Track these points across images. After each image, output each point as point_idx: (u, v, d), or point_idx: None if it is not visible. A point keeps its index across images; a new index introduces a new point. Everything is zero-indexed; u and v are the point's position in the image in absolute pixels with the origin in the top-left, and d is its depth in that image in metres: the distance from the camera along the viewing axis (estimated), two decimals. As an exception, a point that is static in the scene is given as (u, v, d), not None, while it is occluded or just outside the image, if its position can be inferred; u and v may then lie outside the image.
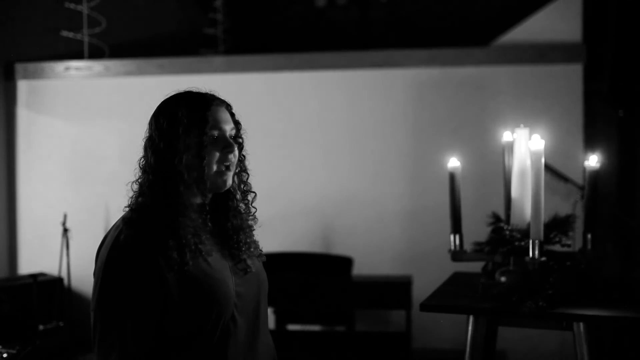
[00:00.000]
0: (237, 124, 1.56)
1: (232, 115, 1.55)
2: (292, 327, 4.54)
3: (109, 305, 1.40)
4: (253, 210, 1.61)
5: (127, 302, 1.39)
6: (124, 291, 1.39)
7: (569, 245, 2.27)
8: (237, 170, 1.56)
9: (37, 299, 4.12)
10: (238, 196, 1.58)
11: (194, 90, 1.54)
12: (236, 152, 1.52)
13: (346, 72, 4.70)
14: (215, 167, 1.48)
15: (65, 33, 5.04)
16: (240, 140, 1.57)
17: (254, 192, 1.61)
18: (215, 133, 1.48)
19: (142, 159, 1.50)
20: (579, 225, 2.33)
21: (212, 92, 1.55)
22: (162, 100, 1.53)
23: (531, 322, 2.14)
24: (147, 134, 1.50)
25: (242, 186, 1.59)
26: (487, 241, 2.31)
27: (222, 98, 1.55)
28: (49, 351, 4.22)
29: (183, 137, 1.44)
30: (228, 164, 1.50)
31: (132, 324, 1.38)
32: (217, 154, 1.48)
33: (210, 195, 1.53)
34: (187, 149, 1.44)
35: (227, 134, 1.51)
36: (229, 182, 1.52)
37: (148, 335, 1.40)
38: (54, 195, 4.94)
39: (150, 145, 1.48)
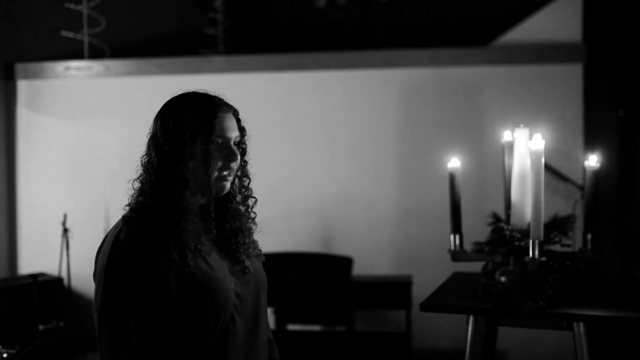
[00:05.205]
0: (241, 130, 1.55)
1: (238, 121, 1.55)
2: (292, 327, 4.54)
3: (112, 304, 1.40)
4: (253, 215, 1.61)
5: (131, 301, 1.39)
6: (127, 290, 1.39)
7: (569, 245, 2.27)
8: (238, 174, 1.56)
9: (37, 299, 4.12)
10: (238, 199, 1.58)
11: (202, 92, 1.52)
12: (238, 159, 1.51)
13: (346, 72, 4.70)
14: (216, 173, 1.48)
15: (65, 33, 5.04)
16: (244, 146, 1.57)
17: (254, 197, 1.61)
18: (220, 140, 1.48)
19: (145, 157, 1.49)
20: (579, 225, 2.33)
21: (220, 96, 1.53)
22: (169, 99, 1.52)
23: (531, 322, 2.14)
24: (152, 132, 1.49)
25: (242, 190, 1.59)
26: (487, 241, 2.30)
27: (230, 103, 1.54)
28: (49, 351, 4.22)
29: (189, 143, 1.43)
30: (228, 172, 1.50)
31: (136, 322, 1.38)
32: (220, 162, 1.48)
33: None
34: (192, 156, 1.43)
35: (232, 141, 1.50)
36: (228, 187, 1.52)
37: (152, 335, 1.40)
38: (54, 195, 4.94)
39: (154, 145, 1.47)
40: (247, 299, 1.53)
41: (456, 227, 2.31)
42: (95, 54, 5.08)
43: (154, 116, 1.51)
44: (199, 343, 1.44)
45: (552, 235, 2.23)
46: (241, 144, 1.56)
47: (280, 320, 4.42)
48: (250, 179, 1.60)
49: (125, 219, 1.45)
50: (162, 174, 1.45)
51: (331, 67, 4.72)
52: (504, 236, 2.23)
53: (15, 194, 5.00)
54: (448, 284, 2.42)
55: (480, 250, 2.31)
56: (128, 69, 4.91)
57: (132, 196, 1.49)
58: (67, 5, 4.99)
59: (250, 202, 1.61)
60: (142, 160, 1.50)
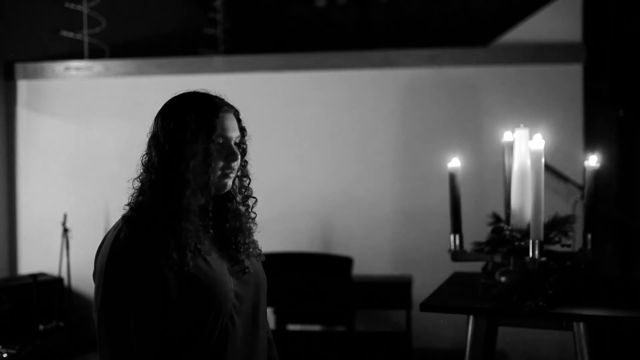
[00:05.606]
0: (242, 131, 1.56)
1: (239, 121, 1.55)
2: (292, 327, 4.54)
3: (112, 304, 1.39)
4: (253, 215, 1.61)
5: (131, 300, 1.39)
6: (127, 289, 1.39)
7: (569, 245, 2.27)
8: (238, 174, 1.56)
9: (37, 299, 4.12)
10: (238, 198, 1.58)
11: (203, 91, 1.53)
12: (239, 159, 1.51)
13: (346, 72, 4.70)
14: (218, 173, 1.48)
15: (65, 33, 5.04)
16: (244, 146, 1.57)
17: (254, 197, 1.61)
18: (221, 140, 1.48)
19: (145, 156, 1.49)
20: (579, 225, 2.33)
21: (221, 96, 1.53)
22: (170, 98, 1.52)
23: (531, 322, 2.14)
24: (152, 131, 1.49)
25: (243, 190, 1.59)
26: (487, 241, 2.31)
27: (231, 103, 1.54)
28: (49, 351, 4.22)
29: (190, 143, 1.43)
30: (229, 171, 1.50)
31: (136, 322, 1.38)
32: (221, 163, 1.48)
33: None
34: (193, 156, 1.43)
35: (232, 141, 1.50)
36: (230, 184, 1.53)
37: (152, 334, 1.40)
38: (54, 195, 4.94)
39: (155, 144, 1.47)
40: (247, 299, 1.53)
41: (456, 227, 2.31)
42: (95, 54, 5.08)
43: (154, 116, 1.51)
44: (198, 343, 1.43)
45: (552, 235, 2.23)
46: (242, 144, 1.56)
47: (280, 320, 4.42)
48: (250, 179, 1.60)
49: (125, 218, 1.46)
50: (163, 174, 1.45)
51: (331, 67, 4.72)
52: (504, 236, 2.23)
53: (15, 194, 5.00)
54: (448, 284, 2.42)
55: (480, 250, 2.31)
56: (128, 69, 4.91)
57: (132, 196, 1.49)
58: (67, 5, 4.99)
59: (250, 202, 1.61)
60: (142, 160, 1.50)
